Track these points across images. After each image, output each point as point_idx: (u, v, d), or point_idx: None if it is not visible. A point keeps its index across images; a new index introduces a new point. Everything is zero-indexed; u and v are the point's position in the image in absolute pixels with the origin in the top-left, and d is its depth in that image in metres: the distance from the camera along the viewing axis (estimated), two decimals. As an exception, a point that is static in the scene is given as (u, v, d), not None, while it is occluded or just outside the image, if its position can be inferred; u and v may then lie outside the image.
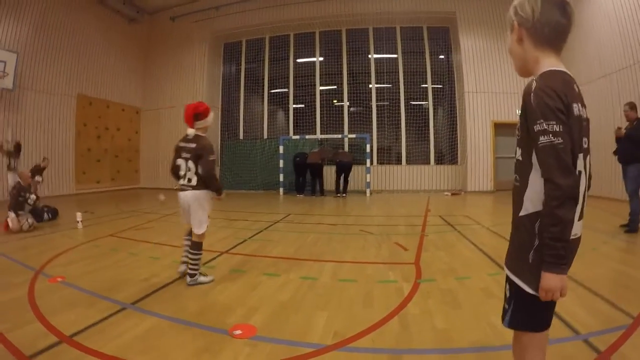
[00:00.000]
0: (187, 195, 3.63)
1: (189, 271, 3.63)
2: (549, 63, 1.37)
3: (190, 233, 3.82)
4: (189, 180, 3.61)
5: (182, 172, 3.66)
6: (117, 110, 15.18)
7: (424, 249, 4.98)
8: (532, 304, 1.37)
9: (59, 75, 12.57)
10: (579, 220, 1.34)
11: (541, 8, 1.33)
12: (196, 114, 3.63)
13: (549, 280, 1.27)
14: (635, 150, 5.90)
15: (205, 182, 3.62)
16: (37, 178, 9.90)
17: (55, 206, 7.91)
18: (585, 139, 1.37)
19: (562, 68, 1.36)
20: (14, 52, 10.68)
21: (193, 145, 3.59)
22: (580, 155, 1.32)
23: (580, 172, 1.31)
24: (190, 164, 3.59)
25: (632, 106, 6.03)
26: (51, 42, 12.27)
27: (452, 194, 12.61)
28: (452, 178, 13.93)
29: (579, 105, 1.32)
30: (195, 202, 3.61)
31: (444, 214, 8.14)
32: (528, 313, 1.41)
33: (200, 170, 3.57)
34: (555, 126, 1.24)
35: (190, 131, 3.59)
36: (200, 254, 3.68)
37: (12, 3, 10.97)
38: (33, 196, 6.66)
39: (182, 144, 3.67)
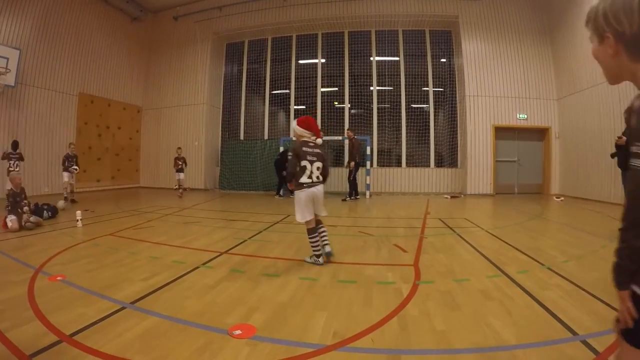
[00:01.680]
0: (319, 189, 4.42)
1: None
2: None
3: (318, 222, 4.51)
4: (318, 177, 4.41)
5: (308, 172, 4.34)
6: (119, 108, 15.20)
7: (423, 251, 4.99)
8: None
9: (60, 72, 12.59)
10: None
11: (639, 19, 1.08)
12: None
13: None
14: None
15: (325, 178, 4.51)
16: (72, 169, 9.99)
17: (55, 204, 7.92)
18: None
19: None
20: (16, 49, 10.70)
21: (318, 150, 4.43)
22: None
23: None
24: (319, 164, 4.40)
25: None
26: (54, 39, 12.30)
27: (452, 197, 12.61)
28: (452, 181, 13.94)
29: None
30: (323, 193, 4.50)
31: (443, 217, 8.14)
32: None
33: (323, 170, 4.45)
34: None
35: (319, 140, 4.48)
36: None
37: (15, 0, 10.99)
38: (26, 208, 6.54)
39: (307, 149, 4.38)
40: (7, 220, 6.27)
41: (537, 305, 3.03)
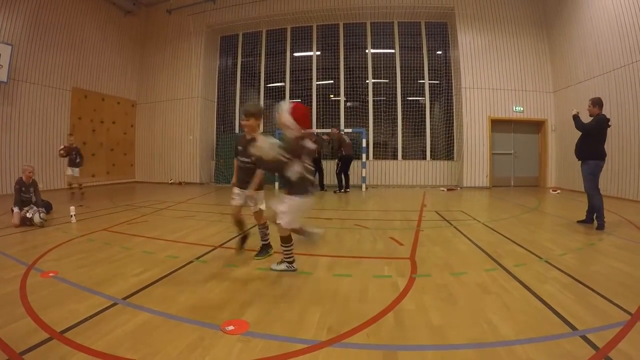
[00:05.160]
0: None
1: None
2: None
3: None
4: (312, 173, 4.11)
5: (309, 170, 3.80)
6: (113, 103, 15.04)
7: (420, 244, 4.96)
8: None
9: (53, 67, 12.42)
10: None
11: None
12: None
13: None
14: (588, 146, 5.90)
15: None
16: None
17: (49, 200, 7.83)
18: None
19: None
20: (8, 45, 10.56)
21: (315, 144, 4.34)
22: None
23: None
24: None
25: (594, 102, 5.98)
26: (46, 34, 12.11)
27: (448, 190, 12.60)
28: (448, 173, 13.93)
29: None
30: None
31: (439, 209, 8.12)
32: None
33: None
34: None
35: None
36: None
37: (5, -6, 10.82)
38: (36, 216, 6.19)
39: (308, 146, 3.67)
40: (14, 209, 6.23)
41: (535, 300, 3.00)
